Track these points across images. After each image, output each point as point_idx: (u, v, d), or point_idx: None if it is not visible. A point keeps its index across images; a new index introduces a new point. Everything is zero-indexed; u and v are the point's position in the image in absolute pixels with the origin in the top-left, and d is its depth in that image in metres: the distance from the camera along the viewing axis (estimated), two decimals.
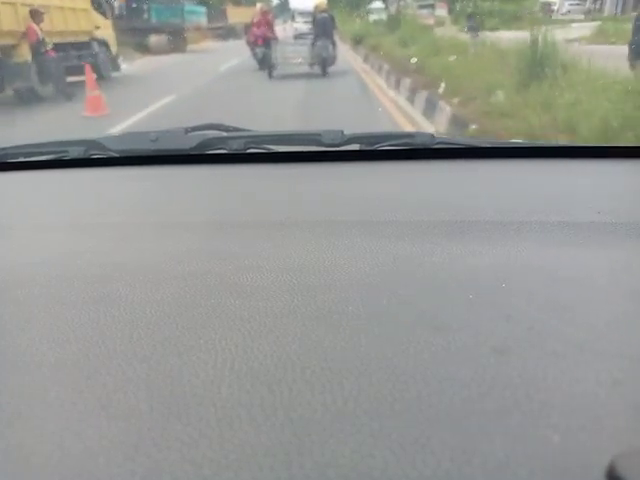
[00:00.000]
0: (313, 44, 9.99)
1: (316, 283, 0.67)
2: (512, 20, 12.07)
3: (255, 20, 10.61)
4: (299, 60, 10.03)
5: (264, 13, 10.63)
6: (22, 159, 1.32)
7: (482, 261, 0.72)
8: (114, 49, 10.60)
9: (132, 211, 1.02)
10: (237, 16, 21.30)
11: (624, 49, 5.85)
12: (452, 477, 0.38)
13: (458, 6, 14.92)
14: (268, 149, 1.30)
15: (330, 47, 9.90)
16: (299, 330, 0.56)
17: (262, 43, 10.22)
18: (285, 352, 0.53)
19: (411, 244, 0.78)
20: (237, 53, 12.55)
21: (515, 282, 0.66)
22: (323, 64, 9.83)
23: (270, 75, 9.63)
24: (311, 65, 10.08)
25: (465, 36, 10.08)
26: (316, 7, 10.52)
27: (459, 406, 0.45)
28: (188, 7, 17.92)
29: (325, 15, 10.21)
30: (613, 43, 7.90)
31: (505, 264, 0.71)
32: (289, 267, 0.72)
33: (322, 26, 10.10)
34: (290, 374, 0.49)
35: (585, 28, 10.54)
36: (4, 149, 1.33)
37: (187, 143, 1.28)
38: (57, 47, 8.25)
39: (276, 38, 10.65)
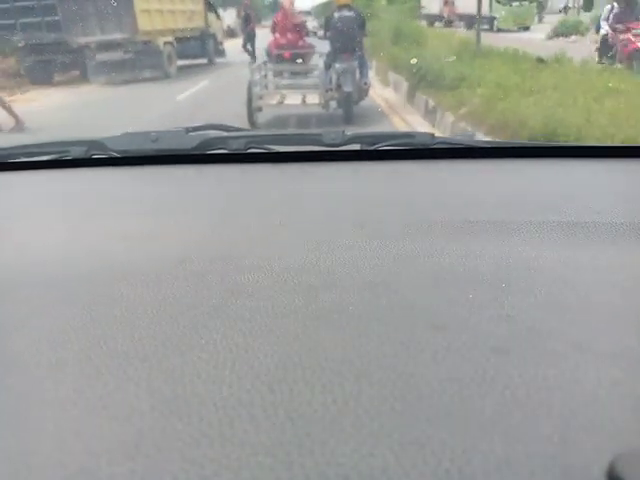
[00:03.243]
0: (328, 66, 5.91)
1: (316, 283, 0.67)
2: None
3: (278, 21, 6.69)
4: (301, 98, 6.07)
5: (287, 11, 6.61)
6: (23, 159, 1.32)
7: (482, 261, 0.72)
8: None
9: (133, 211, 1.02)
10: (167, 21, 10.21)
11: None
12: (452, 477, 0.38)
13: None
14: (269, 149, 1.30)
15: (357, 72, 5.77)
16: (300, 330, 0.56)
17: (290, 57, 6.56)
18: (286, 352, 0.53)
19: (411, 244, 0.79)
20: None
21: (515, 282, 0.66)
22: (346, 103, 5.64)
23: (252, 120, 5.65)
24: (325, 104, 5.90)
25: None
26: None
27: (459, 406, 0.45)
28: None
29: (349, 14, 5.87)
30: None
31: (505, 264, 0.71)
32: (290, 267, 0.72)
33: (343, 33, 5.77)
34: (291, 374, 0.49)
35: None
36: (5, 149, 1.33)
37: (188, 143, 1.29)
38: None
39: (313, 50, 6.70)
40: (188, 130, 1.34)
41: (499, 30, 12.81)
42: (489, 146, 1.32)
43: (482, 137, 4.15)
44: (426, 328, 0.56)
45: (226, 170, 1.28)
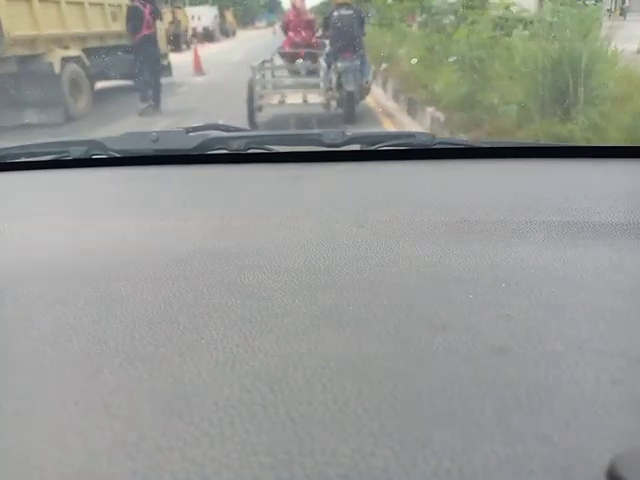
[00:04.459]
0: (329, 65, 5.88)
1: (317, 283, 0.67)
2: None
3: (290, 19, 6.57)
4: (302, 98, 6.04)
5: (299, 9, 6.48)
6: (23, 159, 1.32)
7: (482, 261, 0.72)
8: None
9: (133, 211, 1.02)
10: (70, 22, 5.97)
11: None
12: (452, 477, 0.38)
13: None
14: (269, 149, 1.30)
15: (358, 71, 5.77)
16: (300, 330, 0.56)
17: (304, 55, 6.40)
18: (286, 352, 0.53)
19: (411, 244, 0.79)
20: None
21: (515, 282, 0.66)
22: (348, 103, 5.66)
23: (252, 120, 5.61)
24: (326, 104, 5.92)
25: None
26: None
27: (459, 406, 0.45)
28: None
29: (348, 12, 5.87)
30: None
31: (505, 264, 0.71)
32: (290, 267, 0.72)
33: (343, 31, 5.81)
34: (291, 373, 0.49)
35: None
36: (5, 149, 1.33)
37: (188, 143, 1.29)
38: None
39: (324, 47, 6.41)
40: (188, 130, 1.34)
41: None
42: (489, 146, 1.32)
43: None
44: (426, 328, 0.56)
45: (226, 170, 1.28)
